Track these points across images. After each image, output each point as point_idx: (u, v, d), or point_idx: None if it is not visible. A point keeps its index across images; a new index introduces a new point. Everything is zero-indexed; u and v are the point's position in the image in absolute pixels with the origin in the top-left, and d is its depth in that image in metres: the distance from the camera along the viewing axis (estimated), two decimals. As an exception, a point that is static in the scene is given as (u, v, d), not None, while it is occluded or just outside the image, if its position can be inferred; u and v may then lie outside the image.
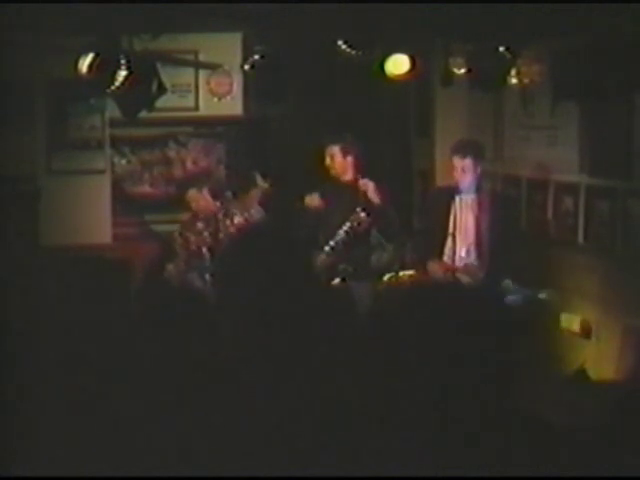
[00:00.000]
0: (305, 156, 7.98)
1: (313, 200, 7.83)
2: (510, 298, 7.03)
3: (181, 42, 8.91)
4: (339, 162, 7.69)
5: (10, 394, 2.62)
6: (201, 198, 8.16)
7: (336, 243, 7.49)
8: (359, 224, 7.47)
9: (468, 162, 7.19)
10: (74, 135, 9.16)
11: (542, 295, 7.32)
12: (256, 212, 8.31)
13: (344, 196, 7.61)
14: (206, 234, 8.16)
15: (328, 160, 7.73)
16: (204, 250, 8.11)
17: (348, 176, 7.70)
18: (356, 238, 7.53)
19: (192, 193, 8.21)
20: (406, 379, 2.43)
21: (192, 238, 8.15)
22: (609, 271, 7.24)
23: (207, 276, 7.98)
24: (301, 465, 2.44)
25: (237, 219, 8.12)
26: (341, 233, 7.49)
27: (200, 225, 8.18)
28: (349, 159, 7.70)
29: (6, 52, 7.74)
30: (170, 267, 8.12)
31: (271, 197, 8.22)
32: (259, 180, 8.36)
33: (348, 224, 7.47)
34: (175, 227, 8.58)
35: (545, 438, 2.44)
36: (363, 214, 7.43)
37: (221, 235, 8.06)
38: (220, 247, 8.01)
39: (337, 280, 7.44)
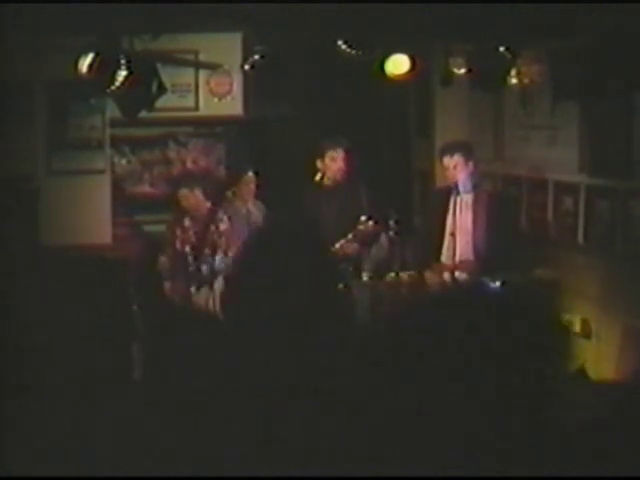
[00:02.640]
0: (305, 156, 7.97)
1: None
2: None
3: (181, 42, 8.90)
4: (336, 165, 7.67)
5: (10, 393, 2.62)
6: (192, 197, 8.17)
7: (340, 247, 7.46)
8: (365, 233, 7.45)
9: (458, 159, 7.19)
10: (74, 135, 9.15)
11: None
12: (254, 207, 8.31)
13: (341, 198, 7.59)
14: (191, 233, 8.17)
15: (326, 163, 7.71)
16: (187, 249, 8.13)
17: (344, 178, 7.68)
18: (360, 244, 7.53)
19: (184, 192, 8.22)
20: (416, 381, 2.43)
21: (178, 234, 8.18)
22: (609, 271, 7.24)
23: (192, 281, 8.02)
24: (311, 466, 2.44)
25: (235, 220, 8.11)
26: (344, 241, 7.46)
27: (187, 223, 8.19)
28: (346, 162, 7.69)
29: (6, 52, 7.73)
30: (163, 259, 8.17)
31: (267, 191, 8.22)
32: (250, 174, 8.37)
33: (355, 232, 7.44)
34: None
35: (545, 437, 2.44)
36: (370, 222, 7.41)
37: (209, 236, 8.08)
38: (204, 247, 8.06)
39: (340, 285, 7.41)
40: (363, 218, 7.42)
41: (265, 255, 2.73)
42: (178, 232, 8.19)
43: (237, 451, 2.48)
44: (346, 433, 2.46)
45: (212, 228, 8.08)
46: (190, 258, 8.12)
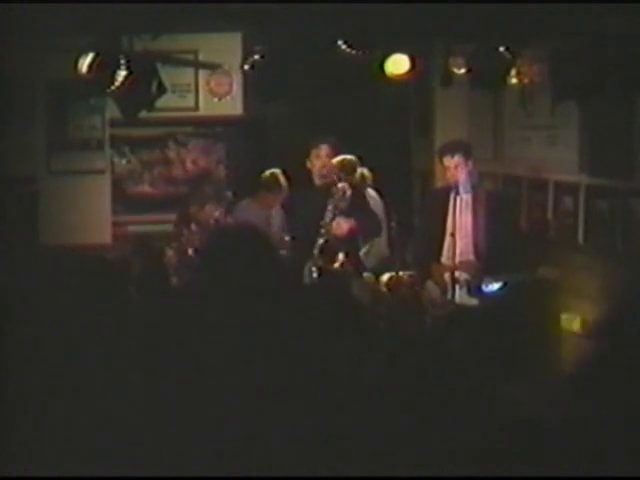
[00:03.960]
0: (303, 156, 7.95)
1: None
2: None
3: (181, 42, 8.91)
4: (320, 162, 7.61)
5: (10, 394, 2.62)
6: (203, 213, 8.20)
7: (327, 231, 7.33)
8: (342, 199, 7.35)
9: (458, 159, 7.17)
10: (74, 135, 9.16)
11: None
12: (276, 214, 8.25)
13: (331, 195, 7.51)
14: (197, 237, 8.17)
15: (312, 161, 7.66)
16: (190, 250, 8.13)
17: (331, 176, 7.60)
18: (345, 217, 7.40)
19: (195, 209, 8.24)
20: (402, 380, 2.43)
21: (185, 232, 8.17)
22: (609, 271, 7.23)
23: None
24: (299, 465, 2.44)
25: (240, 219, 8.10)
26: (329, 214, 7.35)
27: (194, 227, 8.18)
28: (331, 158, 7.61)
29: (6, 52, 7.73)
30: (170, 253, 8.13)
31: (292, 199, 8.13)
32: (282, 181, 8.30)
33: (332, 201, 7.34)
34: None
35: (545, 437, 2.44)
36: (340, 184, 7.32)
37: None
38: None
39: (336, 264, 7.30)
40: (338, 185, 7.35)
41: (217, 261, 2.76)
42: (185, 231, 8.18)
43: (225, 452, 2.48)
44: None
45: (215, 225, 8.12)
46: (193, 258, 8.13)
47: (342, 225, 7.34)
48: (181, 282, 8.04)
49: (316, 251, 7.32)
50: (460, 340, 6.64)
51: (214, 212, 8.20)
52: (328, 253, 7.32)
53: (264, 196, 8.39)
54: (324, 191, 7.51)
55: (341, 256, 7.31)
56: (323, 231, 7.34)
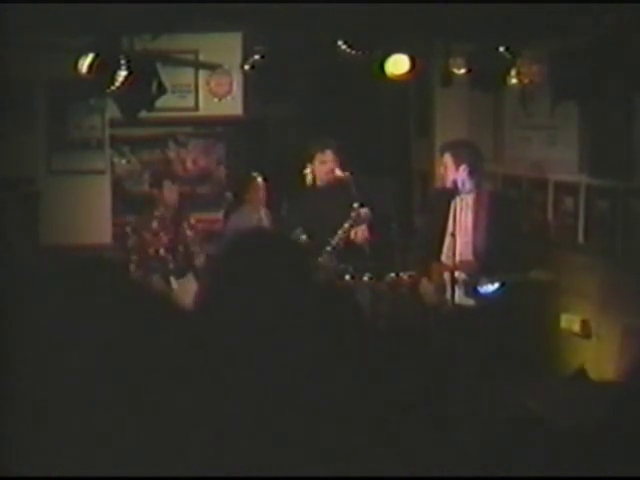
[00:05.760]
0: (303, 156, 7.96)
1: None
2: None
3: (181, 42, 8.91)
4: (326, 167, 7.60)
5: (10, 394, 2.62)
6: (173, 192, 8.22)
7: (337, 243, 7.41)
8: (358, 221, 7.40)
9: (459, 158, 7.16)
10: (74, 135, 9.16)
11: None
12: (265, 216, 8.28)
13: (336, 196, 7.52)
14: (162, 234, 8.14)
15: (316, 166, 7.66)
16: (161, 251, 8.11)
17: (335, 177, 7.60)
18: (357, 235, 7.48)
19: (168, 184, 8.27)
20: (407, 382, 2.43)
21: (148, 238, 8.14)
22: (609, 271, 7.23)
23: (171, 278, 8.04)
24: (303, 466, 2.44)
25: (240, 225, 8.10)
26: (341, 232, 7.41)
27: (155, 225, 8.16)
28: (336, 163, 7.60)
29: (6, 52, 7.73)
30: (132, 268, 8.07)
31: (273, 198, 8.19)
32: (260, 182, 8.34)
33: (350, 221, 7.39)
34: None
35: (545, 438, 2.44)
36: (363, 210, 7.38)
37: (183, 236, 8.12)
38: (180, 248, 8.09)
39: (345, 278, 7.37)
40: (355, 205, 7.37)
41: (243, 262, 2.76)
42: (147, 236, 8.15)
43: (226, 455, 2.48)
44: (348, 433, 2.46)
45: (184, 225, 8.14)
46: (169, 257, 8.11)
47: (362, 235, 7.41)
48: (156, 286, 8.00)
49: (327, 256, 7.37)
50: (460, 340, 6.65)
51: (177, 199, 8.25)
52: (334, 260, 7.40)
53: (249, 199, 8.44)
54: (326, 193, 7.55)
55: (342, 265, 7.39)
56: (334, 243, 7.39)
